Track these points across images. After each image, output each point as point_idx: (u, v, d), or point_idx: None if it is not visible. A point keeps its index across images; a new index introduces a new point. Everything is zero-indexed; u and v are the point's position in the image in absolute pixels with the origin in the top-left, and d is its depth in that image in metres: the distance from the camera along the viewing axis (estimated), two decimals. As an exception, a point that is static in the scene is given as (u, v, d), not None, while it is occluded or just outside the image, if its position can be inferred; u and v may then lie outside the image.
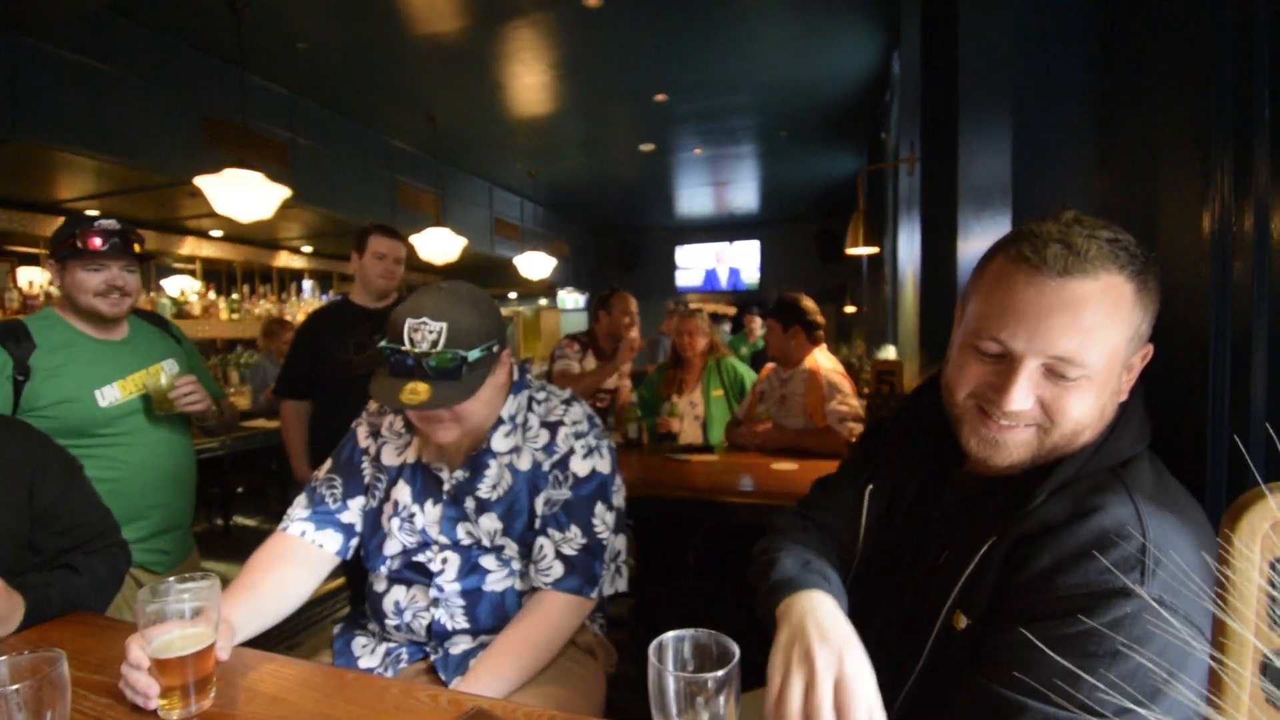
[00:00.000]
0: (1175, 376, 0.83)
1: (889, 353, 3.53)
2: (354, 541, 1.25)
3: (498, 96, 4.94)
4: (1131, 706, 0.56)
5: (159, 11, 3.56)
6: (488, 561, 1.19)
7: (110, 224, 1.59)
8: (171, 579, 0.84)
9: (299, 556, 1.19)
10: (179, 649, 0.80)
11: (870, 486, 0.92)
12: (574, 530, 1.17)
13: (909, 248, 2.74)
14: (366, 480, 1.26)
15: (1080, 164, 1.12)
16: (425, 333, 1.05)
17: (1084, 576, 0.62)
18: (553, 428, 1.22)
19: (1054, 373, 0.68)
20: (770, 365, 2.79)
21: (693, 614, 0.63)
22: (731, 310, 8.57)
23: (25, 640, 1.01)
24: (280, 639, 2.45)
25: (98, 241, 1.55)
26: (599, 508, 1.19)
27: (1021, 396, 0.68)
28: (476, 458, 1.19)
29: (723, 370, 3.13)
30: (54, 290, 4.45)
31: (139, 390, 1.66)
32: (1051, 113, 1.14)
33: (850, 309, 8.10)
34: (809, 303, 2.59)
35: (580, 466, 1.20)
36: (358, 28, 3.81)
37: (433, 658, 1.16)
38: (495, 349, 1.12)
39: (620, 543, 1.26)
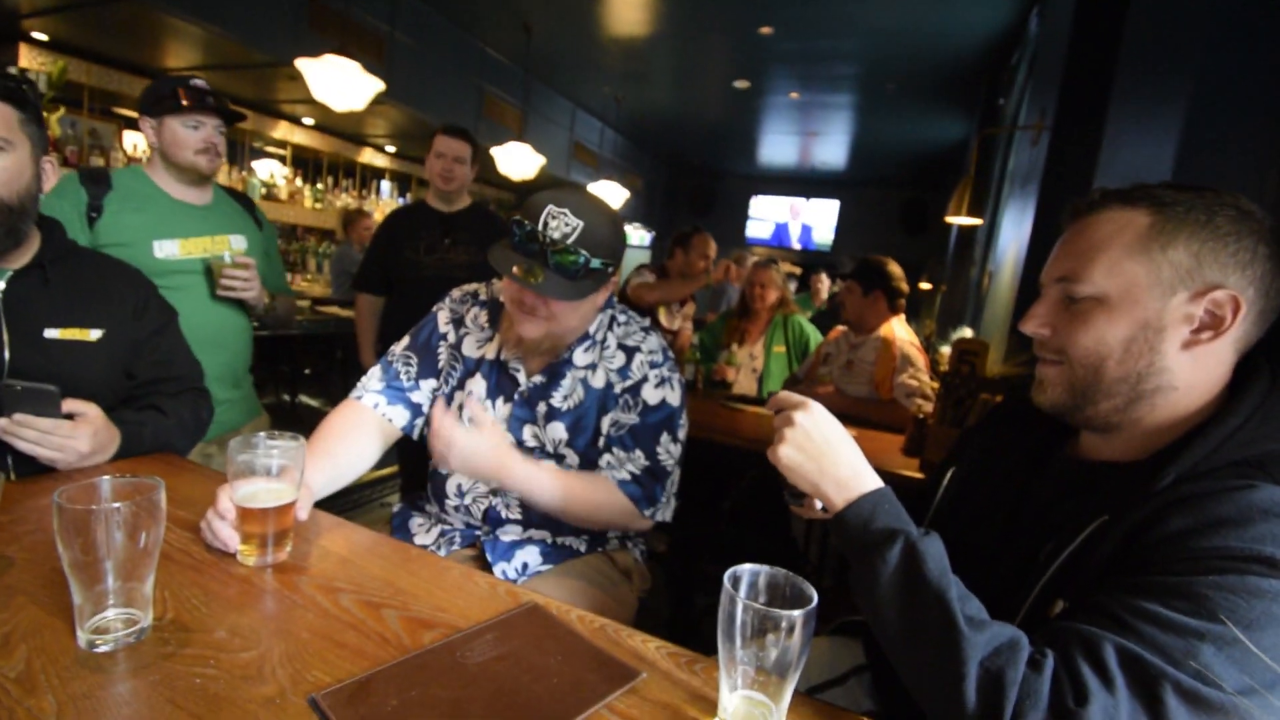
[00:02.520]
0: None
1: (965, 335, 3.37)
2: (419, 421, 1.28)
3: (596, 11, 4.77)
4: (1259, 689, 0.51)
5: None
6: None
7: (204, 84, 1.65)
8: (263, 434, 0.87)
9: (370, 427, 1.23)
10: (262, 501, 0.84)
11: (952, 469, 0.93)
12: (638, 453, 1.17)
13: (1017, 224, 2.55)
14: (441, 365, 1.28)
15: (1256, 162, 1.01)
16: (562, 223, 1.06)
17: (1224, 540, 0.56)
18: (629, 352, 1.21)
19: (1068, 297, 0.72)
20: (840, 328, 2.70)
21: (724, 561, 0.61)
22: (798, 270, 8.29)
23: (118, 469, 1.08)
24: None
25: (198, 98, 1.61)
26: (664, 437, 1.19)
27: (1035, 316, 0.74)
28: (555, 366, 1.20)
29: (789, 327, 3.04)
30: (155, 156, 4.62)
31: (200, 254, 1.65)
32: (1236, 104, 1.03)
33: (925, 285, 7.74)
34: (895, 269, 2.46)
35: (651, 395, 1.19)
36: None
37: (483, 539, 1.20)
38: (611, 270, 1.13)
39: (677, 475, 1.27)
